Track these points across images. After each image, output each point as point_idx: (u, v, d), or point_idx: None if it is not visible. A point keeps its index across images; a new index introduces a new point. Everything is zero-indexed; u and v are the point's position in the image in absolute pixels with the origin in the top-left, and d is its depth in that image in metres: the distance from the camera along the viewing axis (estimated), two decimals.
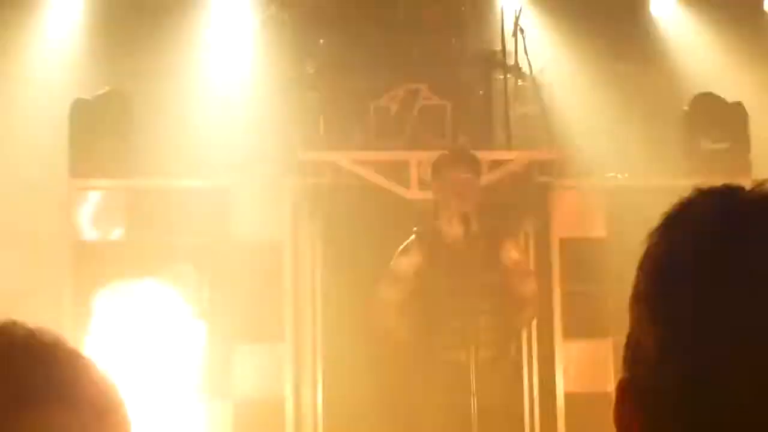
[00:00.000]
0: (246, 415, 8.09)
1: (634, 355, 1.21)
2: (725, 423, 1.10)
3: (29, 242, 9.00)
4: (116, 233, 8.22)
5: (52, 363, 1.48)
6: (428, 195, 7.75)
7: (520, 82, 8.73)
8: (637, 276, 1.20)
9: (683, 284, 1.13)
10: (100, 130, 8.25)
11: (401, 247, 7.14)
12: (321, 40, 8.82)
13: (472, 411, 6.73)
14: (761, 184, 1.16)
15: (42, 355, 1.48)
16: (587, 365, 8.46)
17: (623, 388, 1.20)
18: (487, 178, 7.70)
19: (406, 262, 7.14)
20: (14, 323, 1.50)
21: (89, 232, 8.22)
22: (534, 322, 8.00)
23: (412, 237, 7.15)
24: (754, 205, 1.16)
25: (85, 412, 1.47)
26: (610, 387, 8.25)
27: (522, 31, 8.64)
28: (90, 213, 8.22)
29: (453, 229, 7.07)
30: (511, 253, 7.37)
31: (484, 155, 7.88)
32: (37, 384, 1.49)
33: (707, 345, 1.11)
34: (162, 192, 8.37)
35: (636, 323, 1.20)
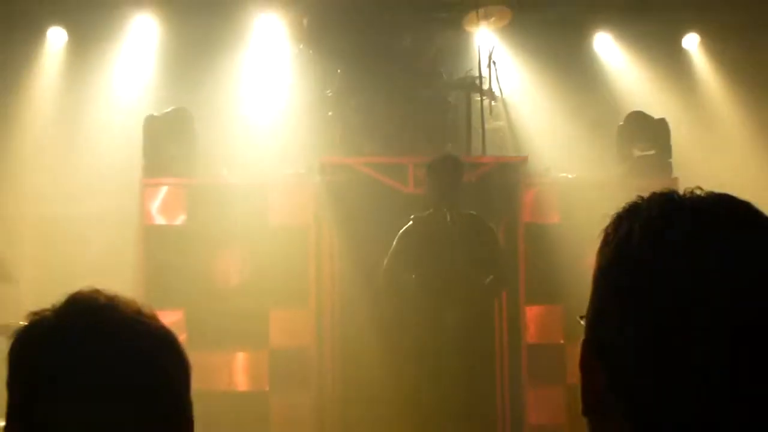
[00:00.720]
0: (279, 361, 8.24)
1: (597, 320, 1.36)
2: (678, 377, 1.22)
3: (114, 226, 9.37)
4: (179, 220, 8.44)
5: (131, 324, 1.59)
6: (421, 190, 7.77)
7: (493, 103, 8.91)
8: (600, 257, 1.37)
9: (640, 264, 1.28)
10: (167, 140, 8.51)
11: (402, 229, 7.26)
12: (338, 70, 8.89)
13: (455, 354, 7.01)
14: (692, 190, 1.33)
15: (121, 318, 1.59)
16: (543, 324, 8.76)
17: (588, 347, 1.38)
18: (468, 176, 7.68)
19: (405, 242, 7.23)
20: (97, 291, 1.62)
21: (158, 219, 8.42)
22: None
23: (410, 223, 7.27)
24: (686, 204, 1.30)
25: (155, 367, 1.59)
26: (562, 340, 8.65)
27: (494, 63, 9.00)
28: (158, 204, 8.43)
29: (444, 218, 7.13)
30: (488, 235, 7.48)
31: (466, 159, 7.99)
32: (120, 340, 1.58)
33: (662, 311, 1.24)
34: (214, 187, 8.58)
35: (599, 294, 1.36)
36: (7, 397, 1.57)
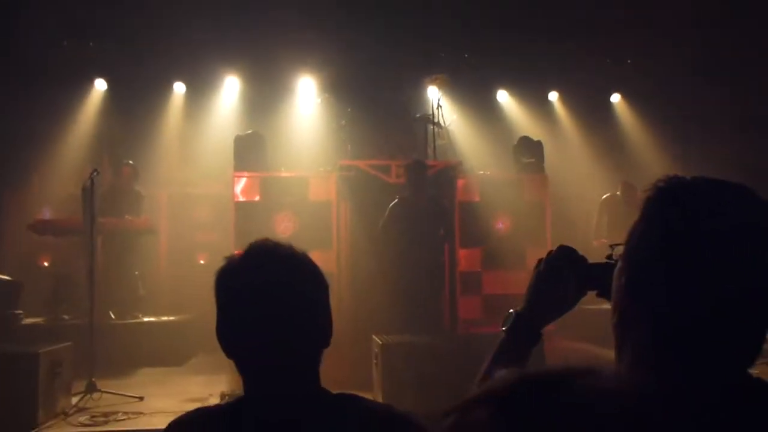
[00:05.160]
0: None
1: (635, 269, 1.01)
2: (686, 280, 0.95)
3: (216, 201, 9.24)
4: (255, 198, 8.13)
5: (292, 255, 1.44)
6: (401, 181, 7.62)
7: (438, 129, 8.66)
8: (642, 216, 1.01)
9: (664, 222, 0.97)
10: (247, 149, 8.20)
11: (390, 205, 7.10)
12: (348, 109, 8.71)
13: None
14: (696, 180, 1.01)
15: (285, 251, 1.44)
16: (469, 259, 8.47)
17: (620, 273, 1.03)
18: (428, 173, 7.49)
19: (393, 212, 7.06)
20: (267, 238, 1.45)
21: (241, 197, 8.09)
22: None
23: (396, 200, 7.11)
24: (697, 204, 0.97)
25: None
26: (480, 269, 8.41)
27: (440, 106, 8.67)
28: (241, 188, 8.11)
29: (416, 198, 7.09)
30: (441, 208, 7.43)
31: (427, 162, 7.78)
32: (288, 265, 1.42)
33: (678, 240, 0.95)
34: (277, 178, 8.27)
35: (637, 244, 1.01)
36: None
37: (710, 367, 0.94)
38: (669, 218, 0.97)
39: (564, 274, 1.34)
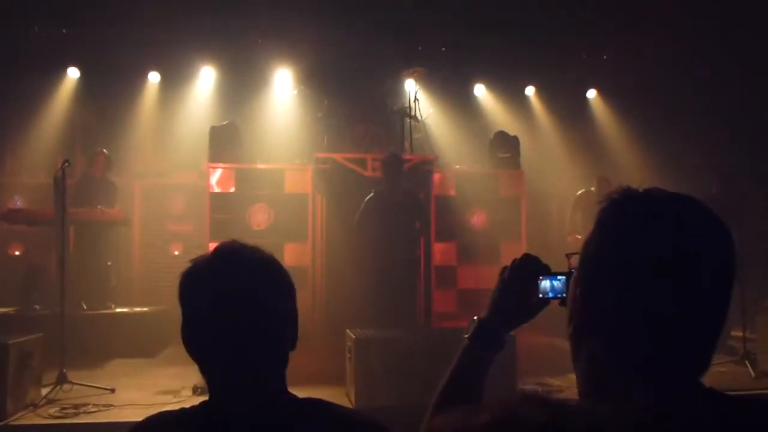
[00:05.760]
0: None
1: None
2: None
3: (190, 192, 9.14)
4: (230, 189, 8.08)
5: (258, 256, 1.40)
6: (376, 174, 7.62)
7: (416, 123, 8.58)
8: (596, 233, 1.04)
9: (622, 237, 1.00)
10: (223, 140, 8.17)
11: (366, 198, 7.05)
12: (325, 101, 8.67)
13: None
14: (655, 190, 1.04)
15: (251, 251, 1.40)
16: (444, 253, 8.52)
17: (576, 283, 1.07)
18: (405, 167, 7.47)
19: (369, 205, 7.01)
20: (234, 240, 1.42)
21: (216, 188, 8.05)
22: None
23: (372, 194, 7.07)
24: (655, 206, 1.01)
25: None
26: (455, 263, 8.53)
27: (417, 99, 8.57)
28: (217, 179, 8.06)
29: (392, 191, 7.05)
30: (417, 202, 7.40)
31: (403, 156, 7.75)
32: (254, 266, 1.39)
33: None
34: (252, 170, 8.23)
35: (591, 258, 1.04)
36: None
37: (665, 380, 0.96)
38: (622, 230, 1.00)
39: (528, 283, 1.34)
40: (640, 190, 1.04)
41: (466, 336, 1.41)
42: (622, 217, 1.02)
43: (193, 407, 1.41)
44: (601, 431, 0.73)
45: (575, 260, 1.11)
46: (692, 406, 0.96)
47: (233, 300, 1.34)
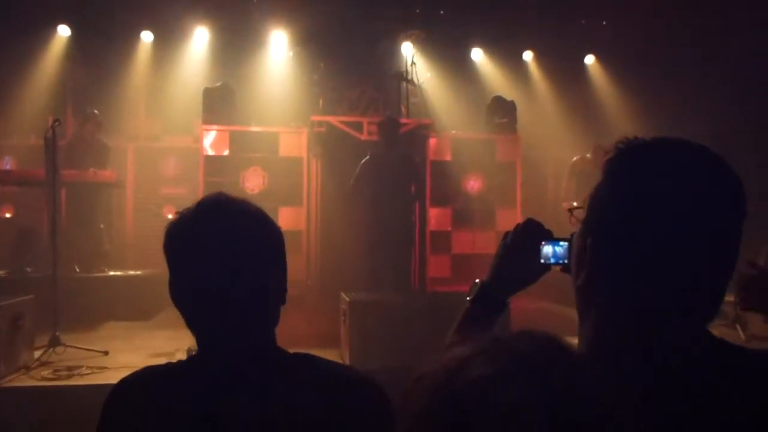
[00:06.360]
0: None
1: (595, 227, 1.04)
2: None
3: (184, 155, 9.10)
4: (224, 152, 8.02)
5: (246, 206, 1.37)
6: (372, 138, 7.61)
7: (412, 87, 8.52)
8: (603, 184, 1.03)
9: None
10: (217, 102, 8.06)
11: (361, 162, 7.02)
12: (321, 64, 8.63)
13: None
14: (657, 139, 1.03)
15: (238, 202, 1.36)
16: (439, 218, 8.48)
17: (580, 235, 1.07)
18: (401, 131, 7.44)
19: (364, 168, 6.97)
20: (221, 192, 1.38)
21: (210, 151, 7.99)
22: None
23: (367, 157, 7.03)
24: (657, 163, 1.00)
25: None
26: (450, 228, 8.50)
27: (414, 63, 8.50)
28: (211, 141, 8.00)
29: (388, 155, 6.99)
30: (413, 166, 7.31)
31: (400, 120, 7.64)
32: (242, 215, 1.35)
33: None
34: (247, 132, 8.14)
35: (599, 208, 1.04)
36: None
37: (676, 327, 0.97)
38: (630, 179, 1.00)
39: (529, 248, 1.34)
40: (648, 138, 1.03)
41: (468, 299, 1.41)
42: (631, 165, 1.01)
43: (180, 361, 1.38)
44: (606, 384, 0.71)
45: (577, 215, 1.10)
46: (704, 354, 0.97)
47: (220, 253, 1.29)
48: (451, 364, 0.72)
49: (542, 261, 1.33)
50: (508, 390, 0.66)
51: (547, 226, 1.38)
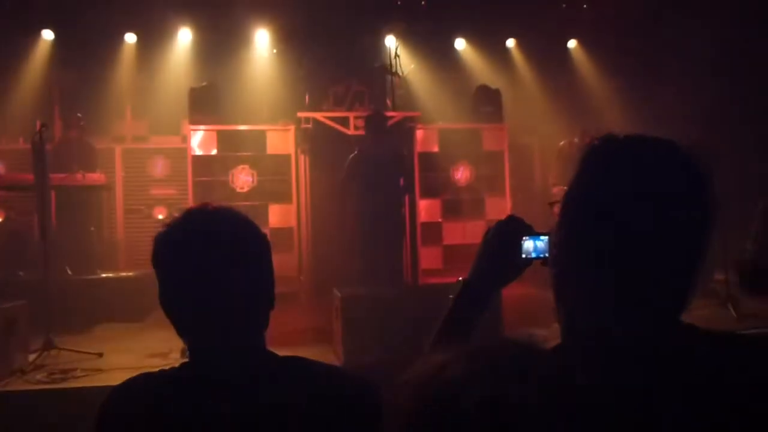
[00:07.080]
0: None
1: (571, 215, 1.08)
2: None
3: (171, 155, 9.05)
4: (212, 151, 8.05)
5: (235, 216, 1.40)
6: (359, 133, 7.66)
7: (397, 79, 8.58)
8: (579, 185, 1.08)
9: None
10: (203, 101, 8.08)
11: (349, 157, 7.02)
12: (305, 60, 8.67)
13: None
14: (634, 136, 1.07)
15: (225, 212, 1.40)
16: (429, 209, 8.51)
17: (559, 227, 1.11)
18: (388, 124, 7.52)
19: (353, 163, 6.96)
20: (207, 203, 1.43)
21: (198, 151, 8.01)
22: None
23: (355, 152, 7.04)
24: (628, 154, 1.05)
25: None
26: (440, 219, 8.51)
27: (398, 56, 8.50)
28: (198, 141, 8.02)
29: (375, 149, 6.98)
30: (401, 159, 7.34)
31: (387, 113, 7.78)
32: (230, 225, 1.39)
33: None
34: (234, 131, 8.18)
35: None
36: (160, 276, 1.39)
37: (646, 316, 1.01)
38: (599, 176, 1.05)
39: (510, 245, 1.36)
40: (620, 135, 1.07)
41: (451, 297, 1.43)
42: (602, 161, 1.06)
43: (172, 368, 1.41)
44: (571, 374, 0.74)
45: (557, 208, 1.13)
46: (671, 341, 1.01)
47: (204, 263, 1.33)
48: (430, 369, 0.75)
49: (524, 256, 1.35)
50: (475, 390, 0.69)
51: (536, 211, 1.44)
